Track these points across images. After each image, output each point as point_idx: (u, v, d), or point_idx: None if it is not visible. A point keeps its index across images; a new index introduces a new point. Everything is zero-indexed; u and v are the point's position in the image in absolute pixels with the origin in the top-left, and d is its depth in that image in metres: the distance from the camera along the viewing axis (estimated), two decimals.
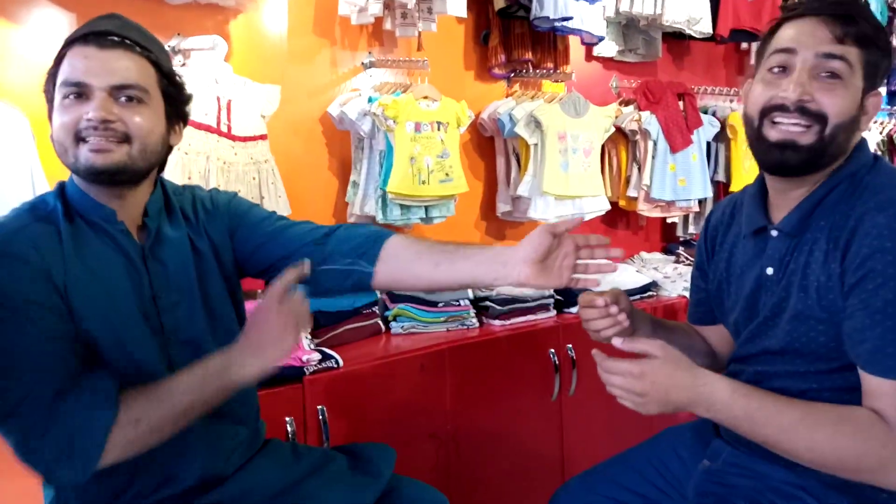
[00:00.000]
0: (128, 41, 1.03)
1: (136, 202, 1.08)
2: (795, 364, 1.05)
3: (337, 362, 1.73)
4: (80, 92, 0.99)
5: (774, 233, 1.09)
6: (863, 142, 1.07)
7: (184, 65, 1.87)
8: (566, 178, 2.49)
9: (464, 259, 1.08)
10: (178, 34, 1.88)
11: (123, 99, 1.01)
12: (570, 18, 2.41)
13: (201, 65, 1.88)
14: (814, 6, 1.00)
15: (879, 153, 3.69)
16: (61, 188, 1.06)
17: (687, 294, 2.48)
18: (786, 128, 1.00)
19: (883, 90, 3.89)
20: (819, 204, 1.03)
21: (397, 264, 1.11)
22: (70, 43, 1.02)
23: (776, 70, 1.03)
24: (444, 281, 1.09)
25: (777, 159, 1.03)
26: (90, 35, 1.01)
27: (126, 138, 1.01)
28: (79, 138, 0.99)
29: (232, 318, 1.18)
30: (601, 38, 2.66)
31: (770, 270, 1.09)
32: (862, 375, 0.95)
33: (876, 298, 0.92)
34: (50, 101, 1.03)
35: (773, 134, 1.02)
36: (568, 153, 2.50)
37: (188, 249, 1.13)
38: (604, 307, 1.18)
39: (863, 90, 1.01)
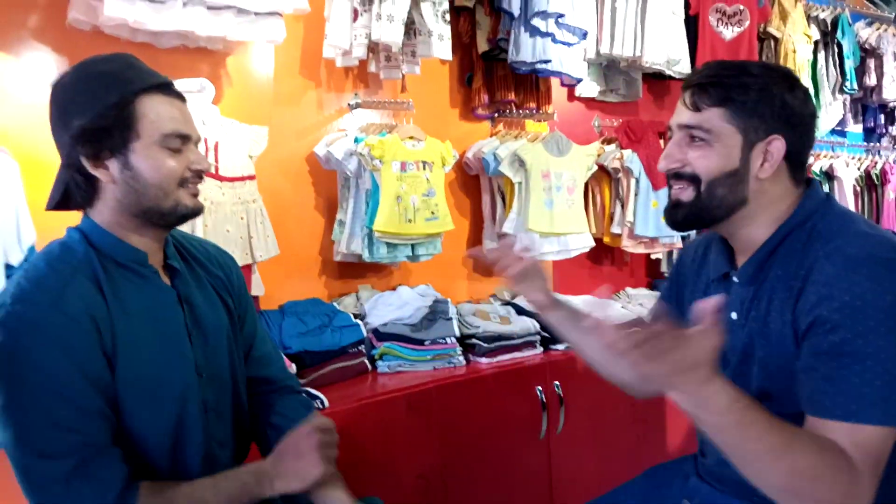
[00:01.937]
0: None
1: (162, 245, 1.12)
2: (771, 407, 1.06)
3: (322, 403, 1.72)
4: (182, 143, 1.06)
5: (735, 279, 1.12)
6: (813, 185, 1.10)
7: None
8: (551, 216, 2.52)
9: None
10: (167, 77, 1.91)
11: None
12: (549, 61, 2.47)
13: (189, 107, 1.90)
14: (686, 81, 1.11)
15: (858, 189, 3.77)
16: (82, 234, 1.05)
17: None
18: (673, 191, 1.13)
19: (859, 127, 4.02)
20: (773, 253, 1.07)
21: None
22: (143, 90, 1.02)
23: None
24: None
25: (670, 216, 1.14)
26: (165, 86, 1.06)
27: None
28: (182, 182, 1.06)
29: (239, 357, 1.22)
30: (579, 80, 2.72)
31: (734, 315, 1.11)
32: (805, 416, 0.95)
33: (822, 342, 0.94)
34: (107, 137, 1.01)
35: (671, 195, 1.14)
36: (552, 191, 2.53)
37: (209, 290, 1.18)
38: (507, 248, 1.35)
39: (746, 141, 1.05)
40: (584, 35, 2.57)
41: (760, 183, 1.06)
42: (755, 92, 1.05)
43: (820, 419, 0.92)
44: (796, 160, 1.08)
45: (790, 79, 1.08)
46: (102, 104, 1.00)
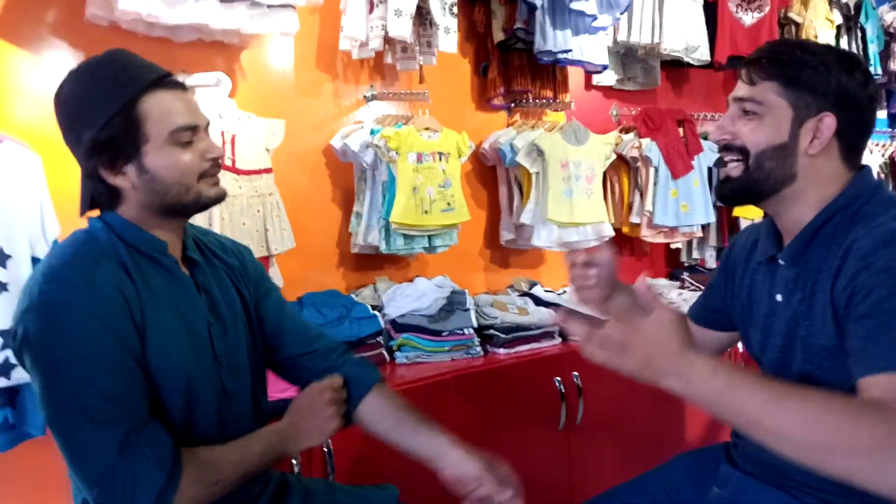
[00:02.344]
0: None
1: (182, 235, 1.13)
2: None
3: None
4: (192, 135, 1.05)
5: (781, 262, 1.13)
6: (865, 171, 1.10)
7: None
8: (570, 205, 2.50)
9: (414, 442, 1.20)
10: (183, 71, 1.92)
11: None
12: (570, 51, 2.45)
13: (205, 101, 1.92)
14: (747, 59, 1.13)
15: (882, 176, 3.70)
16: (105, 224, 1.06)
17: None
18: (724, 168, 1.14)
19: (883, 113, 3.94)
20: (816, 234, 1.07)
21: (369, 422, 1.23)
22: (142, 90, 1.01)
23: None
24: (397, 448, 1.22)
25: (719, 192, 1.18)
26: (166, 79, 1.04)
27: None
28: (202, 175, 1.06)
29: (258, 347, 1.23)
30: (605, 67, 2.69)
31: (779, 297, 1.12)
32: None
33: (861, 308, 0.93)
34: (118, 145, 1.00)
35: (722, 171, 1.16)
36: (571, 180, 2.52)
37: (226, 282, 1.18)
38: (582, 265, 1.29)
39: (796, 116, 1.06)
40: (628, 6, 2.57)
41: (811, 160, 1.07)
42: (810, 68, 1.05)
43: (865, 378, 0.90)
44: (849, 142, 1.08)
45: (851, 60, 1.08)
46: (107, 114, 0.99)
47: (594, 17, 2.45)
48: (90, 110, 1.00)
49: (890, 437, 0.78)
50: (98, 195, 1.05)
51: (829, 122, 1.05)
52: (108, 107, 0.99)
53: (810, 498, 1.06)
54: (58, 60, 1.84)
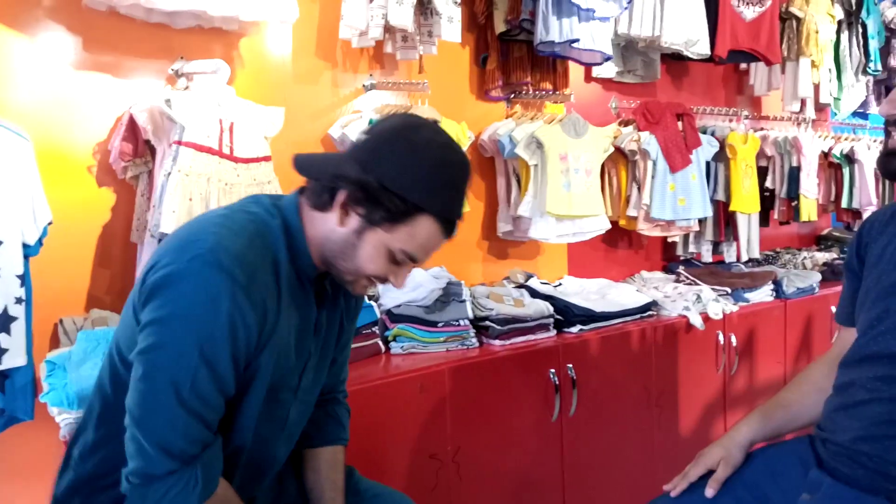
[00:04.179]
0: None
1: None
2: None
3: None
4: (404, 262, 1.06)
5: None
6: None
7: (187, 87, 1.90)
8: (569, 198, 2.50)
9: None
10: (182, 58, 1.91)
11: None
12: (578, 40, 2.41)
13: (204, 88, 1.90)
14: None
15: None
16: (284, 222, 1.06)
17: (687, 314, 2.48)
18: (892, 140, 1.09)
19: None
20: None
21: (308, 469, 1.29)
22: (436, 213, 1.03)
23: None
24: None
25: (883, 164, 1.13)
26: (450, 223, 1.05)
27: None
28: (371, 279, 1.08)
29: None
30: (609, 58, 2.63)
31: None
32: None
33: None
34: (374, 209, 1.01)
35: (889, 143, 1.11)
36: (570, 173, 2.51)
37: (338, 320, 1.22)
38: None
39: None
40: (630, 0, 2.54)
41: None
42: None
43: None
44: None
45: None
46: (399, 190, 1.00)
47: (591, 11, 2.41)
48: (396, 170, 1.00)
49: None
50: (317, 191, 1.06)
51: None
52: (407, 188, 1.00)
53: None
54: (54, 45, 1.83)
